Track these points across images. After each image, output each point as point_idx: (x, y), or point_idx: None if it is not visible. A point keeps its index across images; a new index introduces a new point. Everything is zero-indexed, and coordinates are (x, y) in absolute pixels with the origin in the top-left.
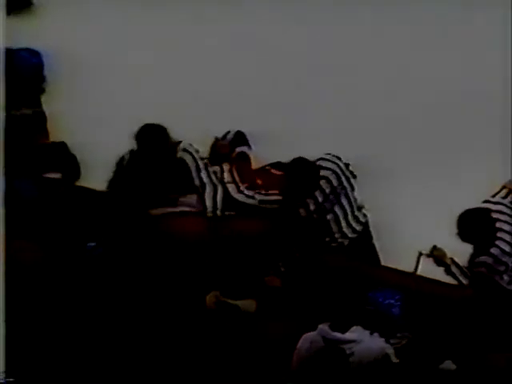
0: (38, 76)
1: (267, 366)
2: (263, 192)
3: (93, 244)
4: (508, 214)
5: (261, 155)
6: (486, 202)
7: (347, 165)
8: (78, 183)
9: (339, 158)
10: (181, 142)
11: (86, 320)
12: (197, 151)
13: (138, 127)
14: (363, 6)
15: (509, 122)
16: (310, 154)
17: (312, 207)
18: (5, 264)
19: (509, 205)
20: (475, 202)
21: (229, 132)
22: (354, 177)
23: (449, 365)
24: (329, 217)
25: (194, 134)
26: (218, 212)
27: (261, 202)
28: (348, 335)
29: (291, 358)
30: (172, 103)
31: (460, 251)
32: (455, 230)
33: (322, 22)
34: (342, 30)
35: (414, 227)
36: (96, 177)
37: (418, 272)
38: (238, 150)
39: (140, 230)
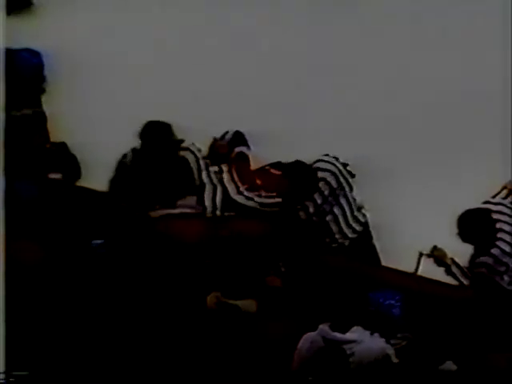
0: (38, 76)
1: (268, 366)
2: (263, 194)
3: (98, 241)
4: (508, 215)
5: (261, 155)
6: (486, 202)
7: (345, 165)
8: (78, 183)
9: (337, 159)
10: (183, 140)
11: (86, 320)
12: (199, 150)
13: (143, 124)
14: (363, 6)
15: (509, 122)
16: (310, 154)
17: (311, 210)
18: (5, 264)
19: (509, 205)
20: (475, 202)
21: (227, 132)
22: (353, 176)
23: (449, 365)
24: (328, 218)
25: (194, 133)
26: (218, 212)
27: (261, 204)
28: (348, 335)
29: (292, 358)
30: (172, 103)
31: (460, 251)
32: (455, 231)
33: (322, 22)
34: (342, 30)
35: (414, 227)
36: (96, 177)
37: (419, 272)
38: (237, 150)
39: (140, 232)
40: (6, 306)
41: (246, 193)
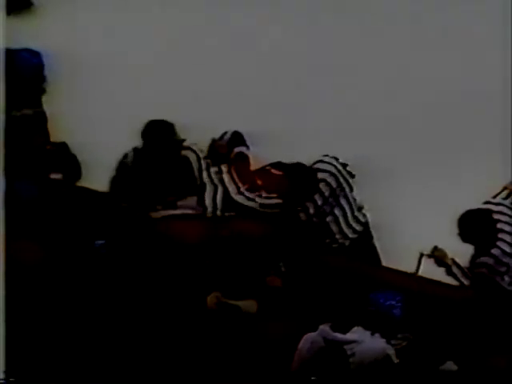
0: (38, 76)
1: (268, 367)
2: (264, 195)
3: (101, 242)
4: (509, 215)
5: (261, 155)
6: (486, 202)
7: (345, 165)
8: (78, 183)
9: (337, 159)
10: (185, 139)
11: (86, 320)
12: (201, 150)
13: (145, 123)
14: (363, 6)
15: (509, 122)
16: (310, 154)
17: (312, 211)
18: (5, 264)
19: (510, 206)
20: (475, 202)
21: (226, 132)
22: (353, 176)
23: (450, 365)
24: (329, 219)
25: (194, 133)
26: (218, 212)
27: (262, 205)
28: (349, 336)
29: (292, 358)
30: (172, 103)
31: (461, 252)
32: (456, 231)
33: (322, 22)
34: (341, 30)
35: (414, 227)
36: (97, 177)
37: (419, 273)
38: (237, 150)
39: (141, 232)
40: (6, 306)
41: (246, 193)
